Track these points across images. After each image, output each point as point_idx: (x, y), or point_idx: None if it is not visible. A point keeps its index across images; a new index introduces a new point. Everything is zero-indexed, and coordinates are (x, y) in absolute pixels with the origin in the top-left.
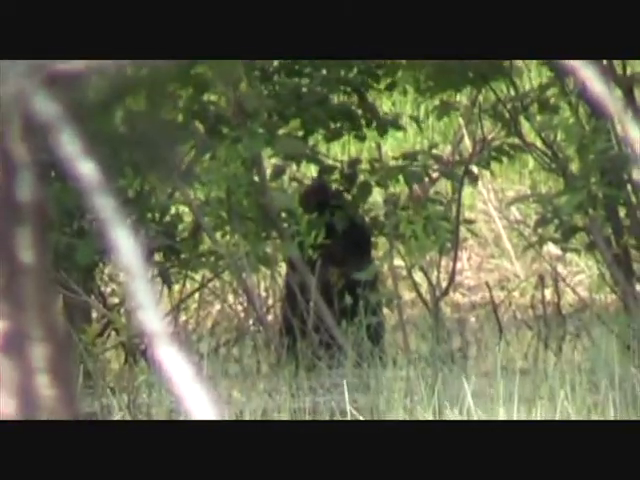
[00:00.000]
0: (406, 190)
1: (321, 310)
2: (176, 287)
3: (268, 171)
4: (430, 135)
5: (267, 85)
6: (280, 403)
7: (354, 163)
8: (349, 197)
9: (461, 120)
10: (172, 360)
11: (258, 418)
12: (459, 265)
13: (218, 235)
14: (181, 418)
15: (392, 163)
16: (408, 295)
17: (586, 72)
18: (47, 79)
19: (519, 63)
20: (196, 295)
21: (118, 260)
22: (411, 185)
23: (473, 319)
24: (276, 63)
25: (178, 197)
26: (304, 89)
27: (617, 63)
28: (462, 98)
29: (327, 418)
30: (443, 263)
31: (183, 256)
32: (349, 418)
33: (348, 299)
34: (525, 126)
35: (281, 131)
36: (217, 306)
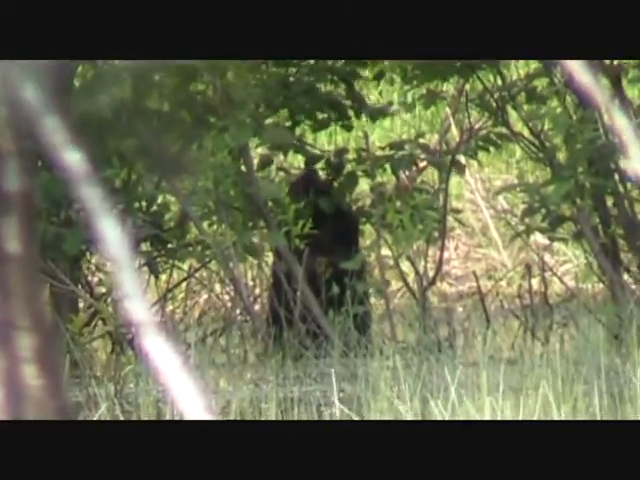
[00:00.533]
0: (393, 180)
1: (308, 300)
2: (163, 277)
3: (255, 161)
4: (417, 124)
5: (254, 74)
6: (267, 392)
7: (341, 152)
8: (336, 186)
9: (448, 109)
10: (159, 350)
11: (245, 408)
12: (446, 255)
13: (205, 225)
14: (168, 407)
15: (379, 153)
16: (395, 285)
17: (573, 62)
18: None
19: None
20: (183, 285)
21: (105, 250)
22: (398, 175)
23: (460, 309)
24: None
25: (165, 186)
26: (291, 78)
27: None
28: (449, 87)
29: (314, 408)
30: (430, 253)
31: (170, 246)
32: (337, 408)
33: (335, 289)
34: (512, 115)
35: (268, 121)
36: (204, 296)
